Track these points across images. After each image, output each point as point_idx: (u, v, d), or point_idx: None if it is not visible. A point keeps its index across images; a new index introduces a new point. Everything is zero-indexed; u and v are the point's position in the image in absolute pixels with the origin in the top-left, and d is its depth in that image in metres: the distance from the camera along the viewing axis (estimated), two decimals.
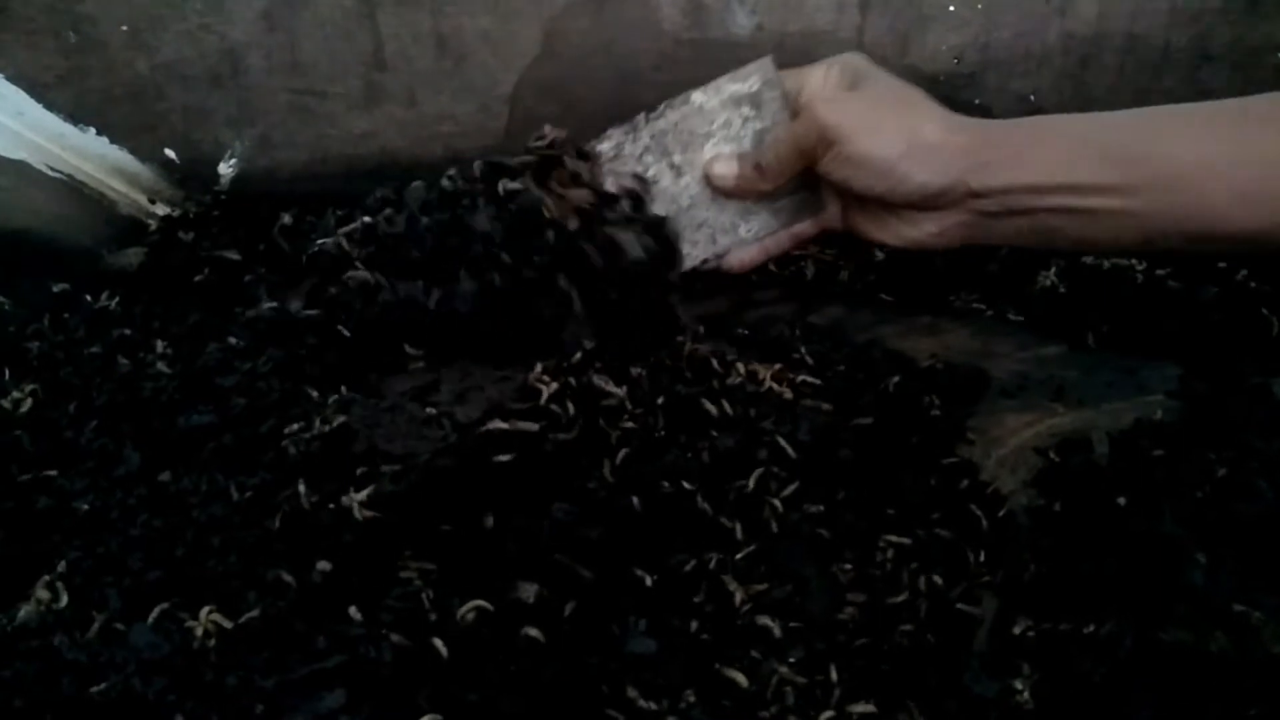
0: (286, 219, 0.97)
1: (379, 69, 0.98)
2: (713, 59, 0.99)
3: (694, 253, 0.75)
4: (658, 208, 0.74)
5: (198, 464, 0.65)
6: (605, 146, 0.74)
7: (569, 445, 0.60)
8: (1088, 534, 0.67)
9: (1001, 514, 0.68)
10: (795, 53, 0.97)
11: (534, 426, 0.59)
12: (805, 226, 0.80)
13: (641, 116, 0.74)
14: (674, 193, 0.74)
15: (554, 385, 0.62)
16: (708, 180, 0.77)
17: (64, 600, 0.57)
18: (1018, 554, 0.66)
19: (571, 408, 0.62)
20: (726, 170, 0.77)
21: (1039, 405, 0.81)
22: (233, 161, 1.01)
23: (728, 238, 0.76)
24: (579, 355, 0.67)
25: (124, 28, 0.93)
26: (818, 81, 0.75)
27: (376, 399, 0.63)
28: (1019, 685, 0.56)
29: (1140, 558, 0.63)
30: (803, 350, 0.81)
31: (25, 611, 0.57)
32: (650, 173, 0.73)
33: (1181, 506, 0.67)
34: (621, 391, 0.63)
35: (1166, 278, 0.95)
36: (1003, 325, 0.92)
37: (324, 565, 0.54)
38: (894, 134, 0.68)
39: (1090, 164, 0.65)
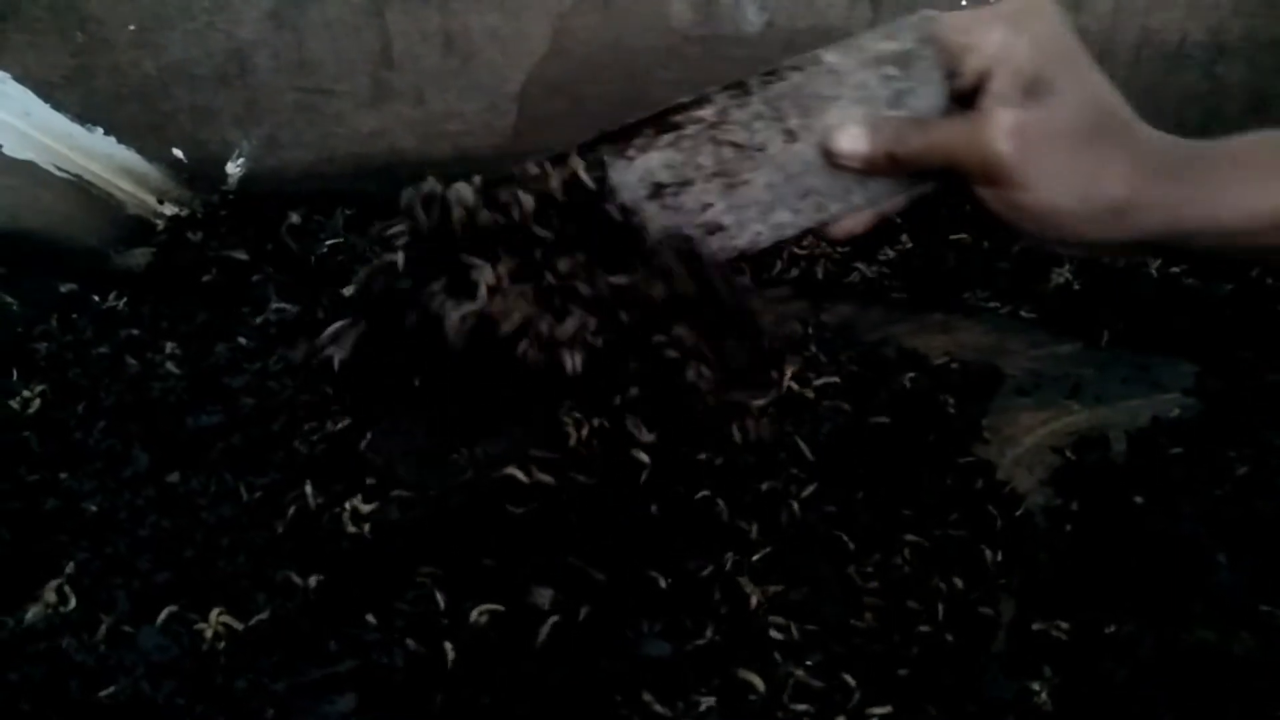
0: (294, 218, 0.97)
1: (387, 67, 0.97)
2: (722, 55, 0.98)
3: (795, 221, 0.65)
4: (760, 175, 0.62)
5: (206, 465, 0.64)
6: (707, 112, 0.63)
7: (590, 489, 0.58)
8: (1106, 533, 0.67)
9: (1018, 513, 0.67)
10: (805, 49, 0.96)
11: (552, 480, 0.57)
12: (928, 188, 0.67)
13: (754, 79, 0.62)
14: (782, 160, 0.63)
15: (584, 430, 0.59)
16: (827, 152, 0.63)
17: (72, 602, 0.57)
18: (1034, 554, 0.65)
19: (598, 444, 0.59)
20: (853, 148, 0.62)
21: (1054, 403, 0.80)
22: (240, 161, 1.00)
23: (839, 204, 0.66)
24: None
25: (131, 27, 0.93)
26: (991, 50, 0.58)
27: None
28: (1037, 687, 0.55)
29: (1160, 557, 0.63)
30: (814, 348, 0.80)
31: (33, 613, 0.56)
32: (757, 139, 0.63)
33: (1201, 505, 0.66)
34: (653, 437, 0.60)
35: (1181, 275, 0.94)
36: (1016, 323, 0.92)
37: (313, 580, 0.53)
38: (1075, 187, 0.56)
39: None
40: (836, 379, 0.72)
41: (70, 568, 0.59)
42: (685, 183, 0.61)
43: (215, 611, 0.54)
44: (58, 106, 0.94)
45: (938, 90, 0.62)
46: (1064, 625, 0.58)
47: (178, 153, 0.99)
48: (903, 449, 0.67)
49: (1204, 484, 0.68)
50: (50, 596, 0.56)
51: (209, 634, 0.53)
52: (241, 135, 0.99)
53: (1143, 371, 0.84)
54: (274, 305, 0.82)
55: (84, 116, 0.96)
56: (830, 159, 0.63)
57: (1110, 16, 0.93)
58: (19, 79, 0.93)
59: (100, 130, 0.97)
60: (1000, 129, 0.55)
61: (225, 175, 1.01)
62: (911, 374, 0.75)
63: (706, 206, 0.61)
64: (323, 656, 0.51)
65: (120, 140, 0.98)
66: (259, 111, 0.98)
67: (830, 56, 0.62)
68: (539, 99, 0.99)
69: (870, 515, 0.62)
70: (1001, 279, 0.96)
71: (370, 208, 1.03)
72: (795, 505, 0.61)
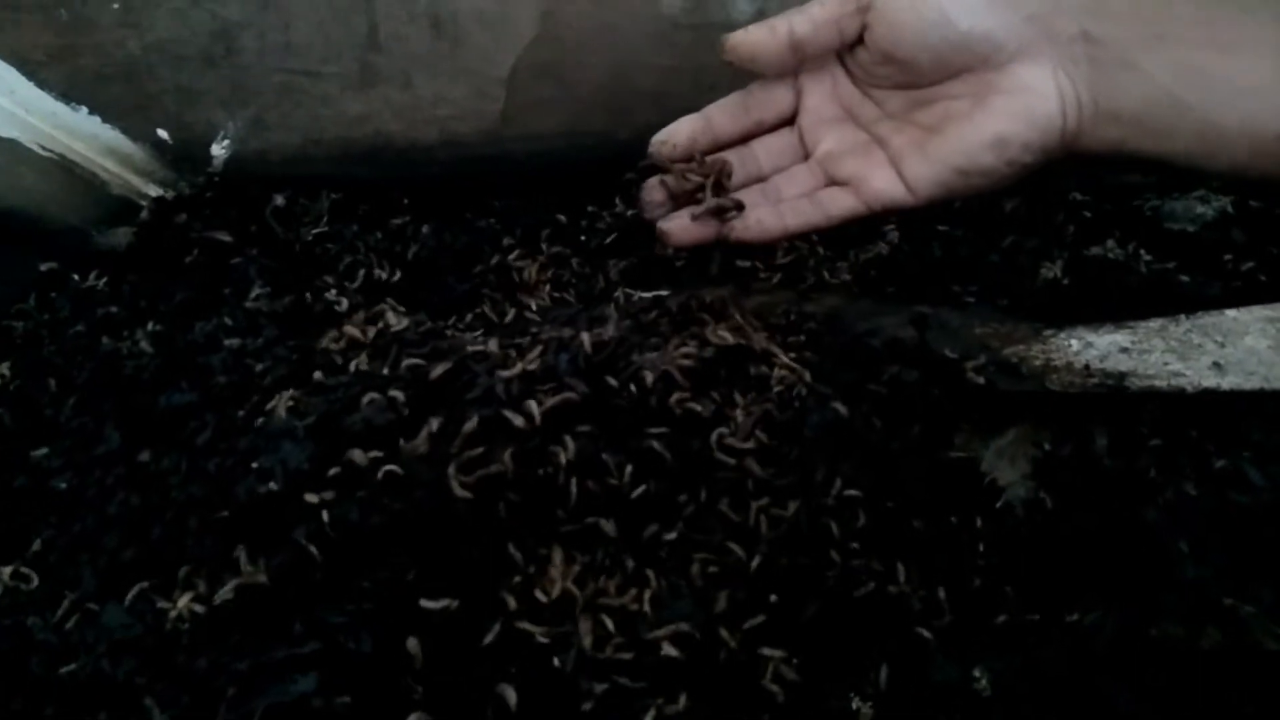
0: (279, 201, 0.96)
1: (374, 50, 0.96)
2: (714, 43, 0.97)
3: (1245, 384, 0.75)
4: (1206, 358, 0.74)
5: (179, 443, 0.63)
6: (1153, 323, 0.78)
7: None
8: (1076, 525, 0.66)
9: (998, 505, 0.67)
10: None
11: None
12: None
13: (1182, 317, 0.78)
14: (1219, 355, 0.76)
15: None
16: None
17: (35, 581, 0.56)
18: (1007, 545, 0.65)
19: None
20: (766, 38, 0.75)
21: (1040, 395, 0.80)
22: (225, 143, 0.99)
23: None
24: None
25: (115, 5, 0.92)
26: None
27: None
28: (978, 673, 0.54)
29: (1126, 549, 0.62)
30: (800, 338, 0.80)
31: None
32: (1195, 340, 0.77)
33: (1173, 497, 0.66)
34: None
35: (1175, 271, 0.94)
36: (1004, 316, 0.91)
37: (278, 561, 0.52)
38: None
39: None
40: (819, 369, 0.72)
41: (37, 544, 0.58)
42: (1146, 351, 0.76)
43: (181, 594, 0.53)
44: (42, 85, 0.93)
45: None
46: (1026, 615, 0.57)
47: (162, 133, 0.98)
48: (888, 442, 0.67)
49: (1180, 476, 0.67)
50: (13, 575, 0.56)
51: (173, 614, 0.53)
52: (227, 117, 0.98)
53: None
54: (256, 289, 0.81)
55: (68, 95, 0.95)
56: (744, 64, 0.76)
57: None
58: (3, 56, 0.92)
59: (84, 109, 0.96)
60: None
61: (210, 157, 1.00)
62: (896, 366, 0.74)
63: (1166, 365, 0.75)
64: (287, 637, 0.50)
65: (105, 120, 0.97)
66: (245, 93, 0.97)
67: (1232, 312, 0.78)
68: (527, 83, 0.98)
69: (853, 510, 0.60)
70: (989, 272, 0.96)
71: (357, 192, 1.02)
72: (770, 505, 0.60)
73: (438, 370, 0.56)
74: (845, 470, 0.61)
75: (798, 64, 0.78)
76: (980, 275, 0.95)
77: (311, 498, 0.52)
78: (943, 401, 0.73)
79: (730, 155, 0.83)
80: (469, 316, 0.85)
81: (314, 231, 0.88)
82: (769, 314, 0.86)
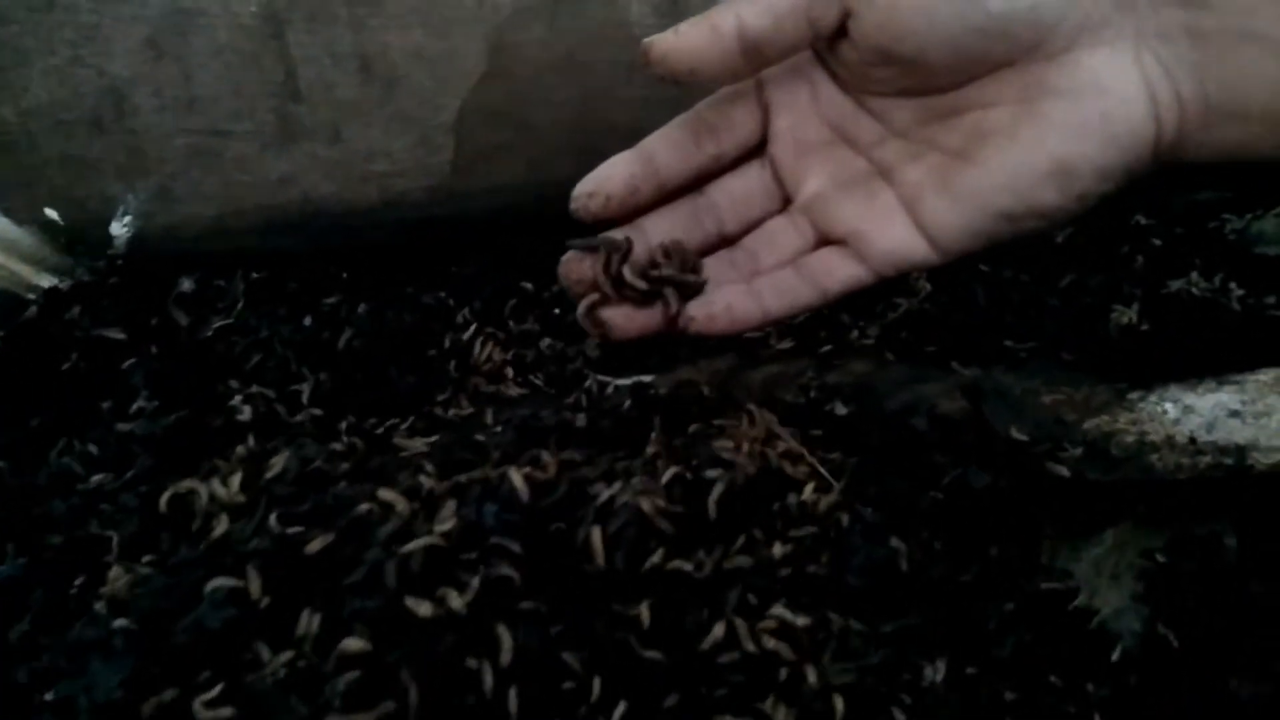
0: (186, 285, 0.81)
1: (293, 100, 0.81)
2: None
3: None
4: None
5: None
6: (1265, 376, 0.67)
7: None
8: (1221, 687, 0.48)
9: (1115, 658, 0.49)
10: None
11: None
12: None
13: None
14: None
15: None
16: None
17: None
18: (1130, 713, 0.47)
19: None
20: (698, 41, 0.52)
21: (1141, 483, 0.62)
22: (127, 219, 0.84)
23: None
24: None
25: None
26: None
27: None
28: None
29: None
30: (825, 425, 0.63)
31: None
32: None
33: None
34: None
35: (1277, 305, 0.77)
36: (1074, 377, 0.74)
37: None
38: None
39: None
40: (855, 476, 0.54)
41: None
42: (1262, 414, 0.63)
43: None
44: None
45: None
46: None
47: (51, 213, 0.83)
48: (957, 577, 0.49)
49: None
50: None
51: None
52: (125, 189, 0.83)
53: None
54: (140, 402, 0.65)
55: None
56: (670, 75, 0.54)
57: None
58: None
59: None
60: None
61: (110, 237, 0.84)
62: (958, 467, 0.56)
63: None
64: None
65: None
66: (144, 160, 0.82)
67: None
68: (479, 129, 0.83)
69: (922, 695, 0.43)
70: (1048, 321, 0.79)
71: (284, 267, 0.87)
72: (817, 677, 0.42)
73: (316, 544, 0.39)
74: (907, 633, 0.43)
75: (756, 71, 0.56)
76: (1038, 325, 0.79)
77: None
78: (1022, 508, 0.56)
79: (681, 207, 0.60)
80: (411, 418, 0.68)
81: (220, 323, 0.71)
82: (781, 391, 0.70)
